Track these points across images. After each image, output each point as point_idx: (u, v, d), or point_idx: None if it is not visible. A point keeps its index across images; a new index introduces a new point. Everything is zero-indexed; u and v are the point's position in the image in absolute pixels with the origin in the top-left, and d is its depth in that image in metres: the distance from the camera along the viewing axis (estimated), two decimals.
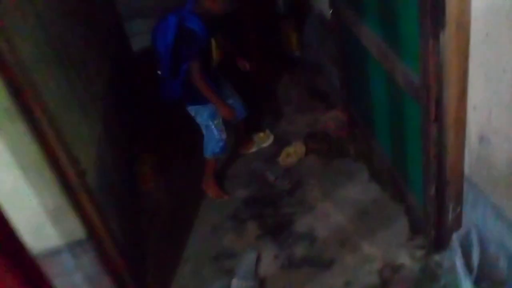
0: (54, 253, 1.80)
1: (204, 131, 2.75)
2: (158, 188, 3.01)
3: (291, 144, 3.04)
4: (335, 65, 3.28)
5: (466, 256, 1.79)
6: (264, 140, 3.21)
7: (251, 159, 3.11)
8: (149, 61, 4.73)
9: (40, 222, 1.74)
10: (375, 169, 2.66)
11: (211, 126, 2.70)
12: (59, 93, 2.08)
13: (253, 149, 3.18)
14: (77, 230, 1.82)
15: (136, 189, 2.96)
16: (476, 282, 1.74)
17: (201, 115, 2.69)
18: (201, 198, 2.87)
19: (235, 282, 2.26)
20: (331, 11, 2.71)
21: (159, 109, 3.71)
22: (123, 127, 3.17)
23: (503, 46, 1.30)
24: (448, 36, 1.47)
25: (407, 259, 2.14)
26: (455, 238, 1.79)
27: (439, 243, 2.00)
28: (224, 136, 2.75)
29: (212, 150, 2.77)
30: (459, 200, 1.82)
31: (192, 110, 2.70)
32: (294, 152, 2.95)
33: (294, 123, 3.34)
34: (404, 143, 2.17)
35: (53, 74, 2.08)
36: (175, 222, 2.76)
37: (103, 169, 2.36)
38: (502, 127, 1.41)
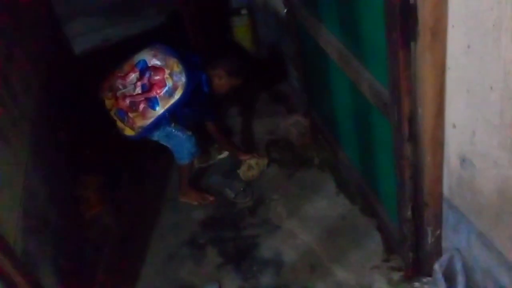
0: None
1: (166, 142, 2.45)
2: (104, 213, 2.69)
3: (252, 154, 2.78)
4: (294, 65, 3.05)
5: (450, 284, 1.61)
6: (221, 151, 2.94)
7: (207, 173, 2.84)
8: (94, 64, 4.38)
9: None
10: (342, 180, 2.46)
11: (172, 132, 2.39)
12: None
13: (210, 162, 2.91)
14: None
15: (78, 217, 2.63)
16: None
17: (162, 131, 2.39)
18: (155, 221, 2.58)
19: None
20: (285, 10, 2.46)
21: (101, 121, 3.39)
22: (59, 147, 2.81)
23: (489, 61, 1.09)
24: (421, 46, 1.25)
25: (383, 284, 1.95)
26: (437, 266, 1.60)
27: (418, 268, 1.82)
28: (189, 132, 2.44)
29: (189, 151, 2.46)
30: (438, 223, 1.63)
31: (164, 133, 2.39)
32: (256, 164, 2.70)
33: (254, 130, 3.08)
34: (374, 156, 1.96)
35: None
36: (125, 252, 2.46)
37: (33, 207, 2.03)
38: (490, 151, 1.21)
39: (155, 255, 2.38)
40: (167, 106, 2.17)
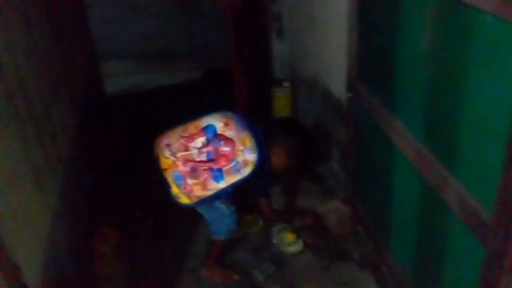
0: None
1: (207, 212, 2.26)
2: (118, 274, 2.44)
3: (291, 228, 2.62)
4: (337, 147, 2.94)
5: None
6: (251, 224, 2.74)
7: (235, 247, 2.62)
8: (124, 108, 4.29)
9: None
10: (386, 284, 2.24)
11: (216, 204, 2.21)
12: (8, 164, 1.56)
13: (239, 234, 2.70)
14: None
15: (89, 274, 2.38)
16: None
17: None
18: None
19: None
20: (349, 95, 2.38)
21: (128, 169, 3.23)
22: (84, 194, 2.62)
23: None
24: None
25: None
26: None
27: None
28: (233, 207, 2.27)
29: (228, 227, 2.29)
30: None
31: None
32: (295, 241, 2.53)
33: (285, 208, 2.91)
34: (440, 273, 1.77)
35: (3, 137, 1.57)
36: None
37: (53, 260, 1.81)
38: None
39: None
40: (232, 181, 1.97)
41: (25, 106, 1.86)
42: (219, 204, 2.20)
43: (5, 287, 1.12)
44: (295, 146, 2.25)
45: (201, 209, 2.23)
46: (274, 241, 2.61)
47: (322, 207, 2.74)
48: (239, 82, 3.41)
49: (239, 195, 2.59)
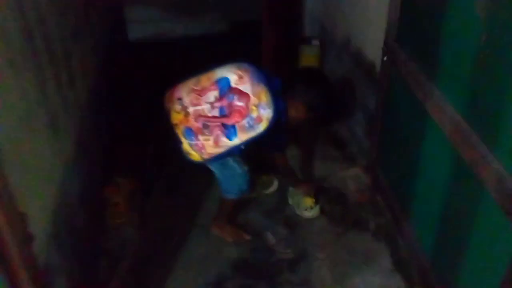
0: None
1: (218, 170, 2.17)
2: (129, 224, 2.43)
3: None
4: (363, 113, 2.80)
5: None
6: (266, 185, 2.68)
7: (248, 207, 2.57)
8: (146, 55, 4.17)
9: None
10: (401, 258, 2.18)
11: (229, 162, 2.12)
12: (22, 106, 1.49)
13: (253, 194, 2.64)
14: None
15: (100, 223, 2.37)
16: None
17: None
18: (182, 247, 2.32)
19: None
20: (384, 58, 2.22)
21: (147, 119, 3.16)
22: (101, 141, 2.57)
23: None
24: None
25: None
26: None
27: None
28: (246, 167, 2.19)
29: (240, 187, 2.21)
30: None
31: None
32: (312, 206, 2.46)
33: (306, 171, 2.82)
34: (464, 252, 1.68)
35: (19, 78, 1.49)
36: (143, 275, 2.18)
37: (64, 208, 1.78)
38: None
39: None
40: (245, 138, 1.86)
41: (44, 47, 1.77)
42: (232, 163, 2.11)
43: (9, 234, 1.08)
44: (316, 98, 2.05)
45: (212, 167, 2.15)
46: (290, 203, 2.55)
47: (341, 173, 2.65)
48: (267, 37, 3.24)
49: (254, 154, 2.53)
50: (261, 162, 2.81)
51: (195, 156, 1.95)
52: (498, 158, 1.40)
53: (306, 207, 2.46)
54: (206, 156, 1.94)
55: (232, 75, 1.86)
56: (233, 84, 1.84)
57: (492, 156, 1.42)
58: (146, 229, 2.42)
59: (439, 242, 1.89)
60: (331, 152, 2.95)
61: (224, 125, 1.84)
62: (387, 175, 2.42)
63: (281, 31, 3.36)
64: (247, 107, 1.81)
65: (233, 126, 1.83)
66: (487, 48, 1.43)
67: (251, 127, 1.83)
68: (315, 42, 3.55)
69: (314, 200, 2.47)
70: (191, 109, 1.87)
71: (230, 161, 2.11)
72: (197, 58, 3.80)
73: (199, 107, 1.85)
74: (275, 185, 2.69)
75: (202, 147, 1.90)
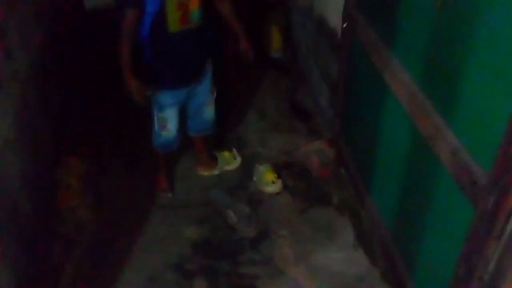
0: None
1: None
2: (83, 206, 2.31)
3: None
4: (327, 82, 2.71)
5: None
6: (229, 161, 2.59)
7: (209, 184, 2.49)
8: (103, 24, 3.93)
9: None
10: (363, 232, 2.14)
11: (154, 116, 2.22)
12: None
13: (215, 172, 2.56)
14: None
15: (51, 205, 2.25)
16: None
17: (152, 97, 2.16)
18: (140, 229, 2.23)
19: None
20: (344, 25, 2.11)
21: (102, 93, 2.99)
22: (48, 117, 2.41)
23: None
24: None
25: None
26: None
27: None
28: (164, 133, 2.24)
29: (153, 141, 2.31)
30: None
31: None
32: (274, 181, 2.40)
33: (268, 144, 2.74)
34: (420, 225, 1.64)
35: None
36: (100, 259, 2.10)
37: (3, 198, 1.65)
38: None
39: (134, 273, 2.03)
40: None
41: None
42: (155, 119, 2.20)
43: None
44: None
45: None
46: (254, 179, 2.48)
47: (304, 146, 2.57)
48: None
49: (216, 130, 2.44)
50: (223, 138, 2.73)
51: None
52: (452, 130, 1.34)
53: (268, 182, 2.39)
54: None
55: None
56: None
57: (447, 128, 1.36)
58: (103, 211, 2.32)
59: (399, 215, 1.85)
60: (295, 125, 2.88)
61: None
62: (351, 148, 2.36)
63: None
64: None
65: None
66: (442, 13, 1.34)
67: None
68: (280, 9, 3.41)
69: (276, 175, 2.41)
70: None
71: (155, 117, 2.20)
72: None
73: None
74: (238, 161, 2.61)
75: None
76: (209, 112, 2.34)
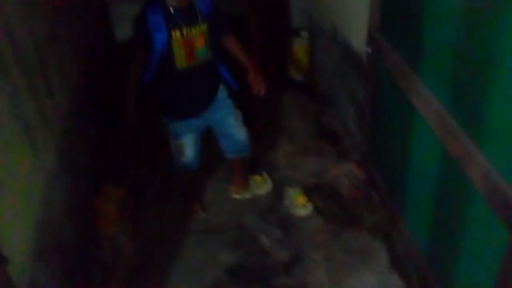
0: None
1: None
2: (121, 233, 2.40)
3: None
4: (354, 105, 2.74)
5: None
6: (260, 185, 2.63)
7: (241, 208, 2.53)
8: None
9: None
10: (397, 255, 2.13)
11: (171, 143, 2.31)
12: None
13: (246, 195, 2.60)
14: None
15: (92, 233, 2.34)
16: None
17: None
18: (176, 254, 2.29)
19: None
20: (370, 51, 2.15)
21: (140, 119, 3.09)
22: (87, 148, 2.52)
23: None
24: None
25: None
26: None
27: None
28: (182, 159, 2.31)
29: (172, 164, 2.39)
30: None
31: None
32: (305, 204, 2.43)
33: (297, 167, 2.78)
34: (455, 249, 1.63)
35: None
36: (136, 286, 2.16)
37: (49, 223, 1.75)
38: None
39: None
40: None
41: (14, 57, 1.72)
42: (172, 146, 2.27)
43: None
44: None
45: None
46: (285, 202, 2.51)
47: (334, 168, 2.60)
48: (253, 29, 3.15)
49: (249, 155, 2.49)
50: (255, 162, 2.78)
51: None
52: (484, 153, 1.35)
53: (299, 205, 2.42)
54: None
55: None
56: None
57: (478, 151, 1.37)
58: (139, 237, 2.39)
59: (433, 238, 1.84)
60: (323, 146, 2.90)
61: None
62: (380, 169, 2.37)
63: (267, 24, 3.28)
64: None
65: None
66: (468, 39, 1.37)
67: None
68: (304, 34, 3.49)
69: (306, 198, 2.43)
70: None
71: (172, 145, 2.30)
72: None
73: None
74: (269, 185, 2.64)
75: None
76: (241, 133, 2.33)
